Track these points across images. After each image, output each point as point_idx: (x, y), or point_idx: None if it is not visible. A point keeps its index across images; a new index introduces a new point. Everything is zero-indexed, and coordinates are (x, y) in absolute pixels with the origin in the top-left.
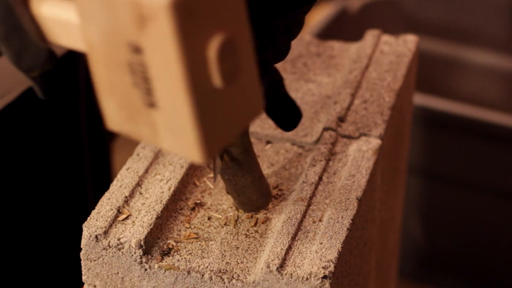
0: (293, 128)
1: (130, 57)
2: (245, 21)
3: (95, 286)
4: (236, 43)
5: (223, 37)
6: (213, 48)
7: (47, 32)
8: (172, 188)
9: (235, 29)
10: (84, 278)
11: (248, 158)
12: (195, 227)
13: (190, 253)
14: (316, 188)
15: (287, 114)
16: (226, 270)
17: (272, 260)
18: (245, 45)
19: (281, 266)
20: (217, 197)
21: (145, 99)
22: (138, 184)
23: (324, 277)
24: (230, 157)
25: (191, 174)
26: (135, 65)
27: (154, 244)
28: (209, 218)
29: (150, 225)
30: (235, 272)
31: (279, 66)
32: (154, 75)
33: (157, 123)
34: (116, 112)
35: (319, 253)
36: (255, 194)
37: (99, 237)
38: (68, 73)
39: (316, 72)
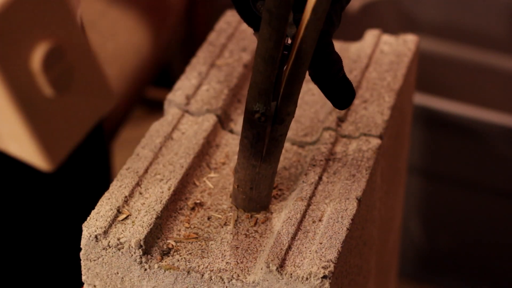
0: (347, 107)
1: None
2: (72, 22)
3: (95, 286)
4: (64, 49)
5: (46, 47)
6: (36, 60)
7: None
8: (172, 188)
9: (62, 34)
10: (84, 278)
11: (282, 144)
12: (195, 227)
13: (190, 253)
14: (316, 188)
15: (343, 94)
16: (226, 270)
17: (272, 260)
18: (77, 47)
19: (281, 266)
20: (217, 197)
21: None
22: (138, 184)
23: (324, 277)
24: (273, 136)
25: (191, 174)
26: None
27: (153, 244)
28: (208, 218)
29: (150, 225)
30: (235, 272)
31: None
32: None
33: (0, 132)
34: None
35: (318, 253)
36: (266, 189)
37: (99, 237)
38: None
39: None
